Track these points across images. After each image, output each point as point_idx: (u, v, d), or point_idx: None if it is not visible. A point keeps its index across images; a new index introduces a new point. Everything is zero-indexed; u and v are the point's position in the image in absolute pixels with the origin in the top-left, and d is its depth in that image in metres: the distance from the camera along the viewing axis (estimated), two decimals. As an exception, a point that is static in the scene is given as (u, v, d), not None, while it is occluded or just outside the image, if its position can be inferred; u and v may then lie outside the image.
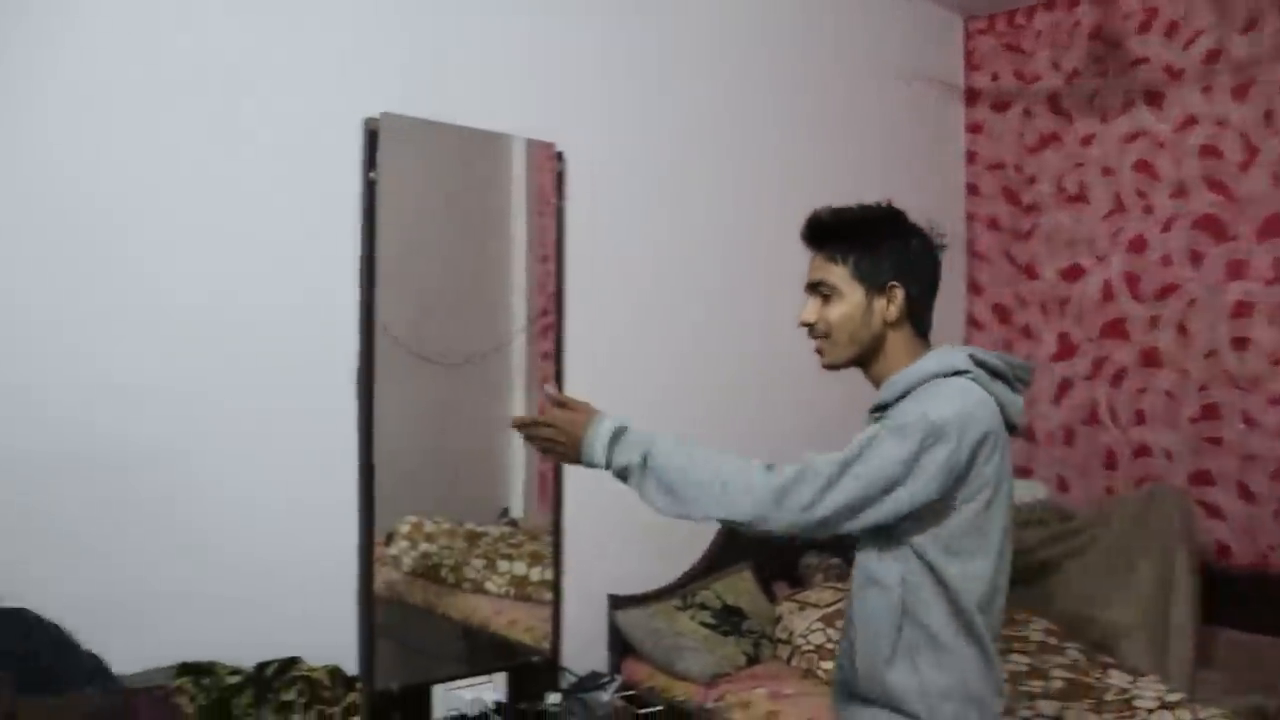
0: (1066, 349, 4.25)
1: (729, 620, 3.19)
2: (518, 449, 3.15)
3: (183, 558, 2.50)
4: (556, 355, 3.17)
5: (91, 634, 2.25)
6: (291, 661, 2.51)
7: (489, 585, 3.05)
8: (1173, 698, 2.62)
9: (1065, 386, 4.26)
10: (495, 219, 3.08)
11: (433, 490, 2.95)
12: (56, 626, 2.21)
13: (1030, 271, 4.39)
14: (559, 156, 3.12)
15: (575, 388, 3.14)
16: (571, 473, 3.13)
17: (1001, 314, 4.48)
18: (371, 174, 2.74)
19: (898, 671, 1.70)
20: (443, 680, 2.81)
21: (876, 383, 1.80)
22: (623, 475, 1.76)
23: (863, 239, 1.79)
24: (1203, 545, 3.55)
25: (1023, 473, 4.34)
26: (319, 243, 2.70)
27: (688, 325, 3.54)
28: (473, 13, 3.01)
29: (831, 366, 1.83)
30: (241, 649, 2.50)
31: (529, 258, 3.12)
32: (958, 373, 1.71)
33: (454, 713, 2.78)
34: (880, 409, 1.75)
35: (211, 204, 2.55)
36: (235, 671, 2.45)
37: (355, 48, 2.77)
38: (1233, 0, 3.76)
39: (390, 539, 2.86)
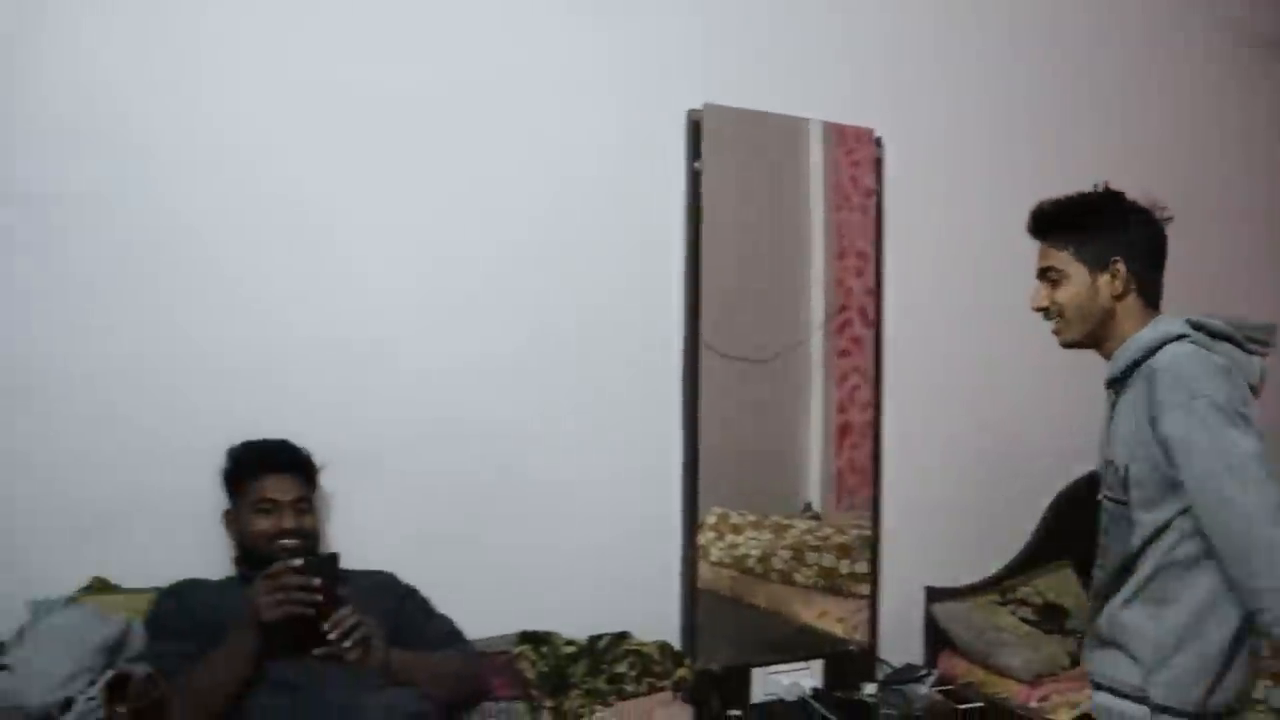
0: None
1: (1051, 618, 3.06)
2: (816, 444, 3.15)
3: (521, 532, 2.66)
4: (875, 349, 3.16)
5: (442, 600, 2.41)
6: (622, 636, 2.61)
7: (797, 577, 3.07)
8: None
9: None
10: (802, 209, 3.06)
11: (736, 483, 2.99)
12: (415, 590, 2.38)
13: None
14: (877, 142, 3.08)
15: (894, 386, 3.14)
16: (887, 468, 3.16)
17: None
18: (696, 164, 2.80)
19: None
20: (760, 665, 2.85)
21: (1109, 358, 1.89)
22: None
23: (1082, 223, 1.90)
24: None
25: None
26: (645, 234, 2.82)
27: (1011, 316, 3.38)
28: (792, 1, 3.03)
29: (1069, 344, 1.93)
30: (574, 621, 2.63)
31: (828, 250, 3.09)
32: (1177, 338, 1.77)
33: (772, 696, 2.82)
34: (1115, 382, 1.86)
35: (542, 197, 2.70)
36: (570, 642, 2.58)
37: (677, 40, 2.86)
38: None
39: (698, 529, 2.92)
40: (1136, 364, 1.80)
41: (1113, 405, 1.87)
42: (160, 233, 2.37)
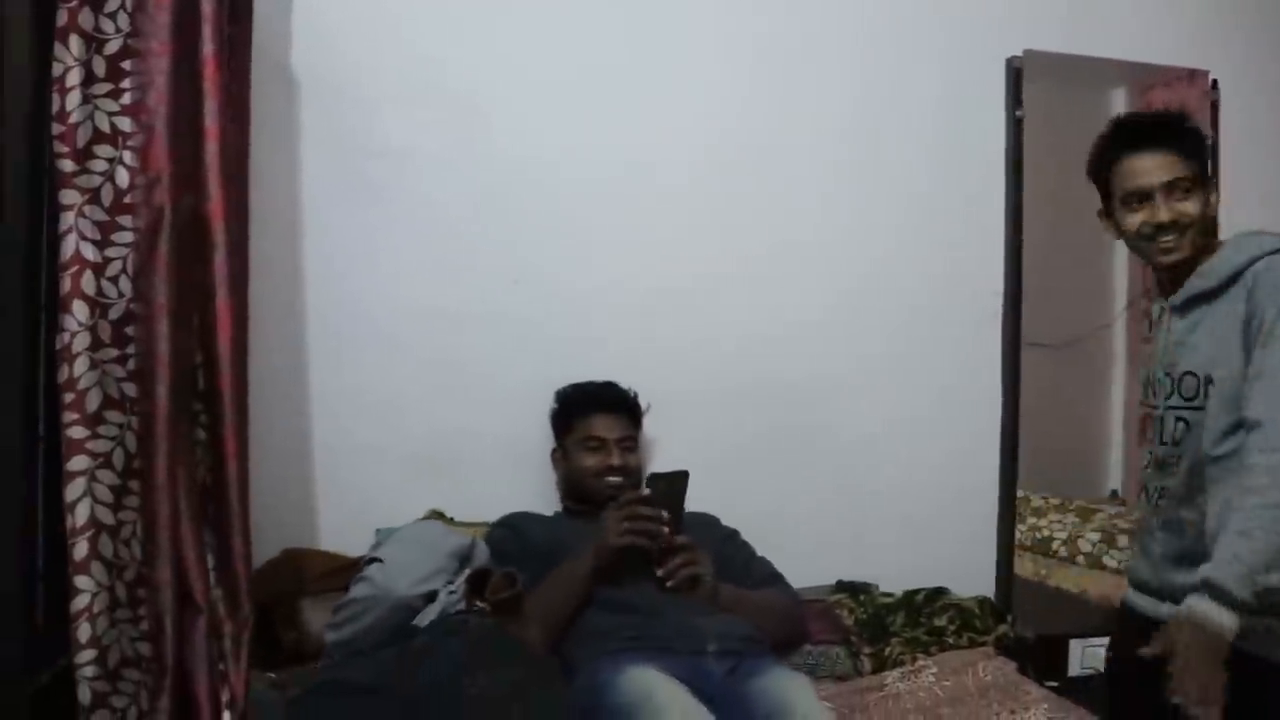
0: None
1: None
2: (1118, 430, 3.05)
3: (836, 488, 2.66)
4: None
5: (760, 546, 2.42)
6: (940, 591, 2.55)
7: (1106, 560, 2.90)
8: None
9: None
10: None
11: (1035, 466, 2.88)
12: (736, 532, 2.40)
13: None
14: (1214, 85, 2.92)
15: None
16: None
17: None
18: (1019, 112, 2.75)
19: None
20: (1082, 636, 2.70)
21: (1185, 276, 1.83)
22: None
23: (1200, 138, 1.87)
24: None
25: None
26: (966, 184, 2.76)
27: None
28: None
29: (1175, 265, 1.83)
30: (888, 576, 2.59)
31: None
32: (1274, 251, 1.74)
33: (1090, 669, 2.66)
34: (1203, 297, 1.80)
35: (860, 151, 2.71)
36: (887, 594, 2.53)
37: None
38: None
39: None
40: (1237, 275, 1.77)
41: (1186, 319, 1.84)
42: (502, 186, 2.52)
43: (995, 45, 2.76)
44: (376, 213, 2.46)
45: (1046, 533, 2.96)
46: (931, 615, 2.47)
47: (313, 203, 2.44)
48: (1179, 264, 1.83)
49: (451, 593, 1.89)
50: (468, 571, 1.94)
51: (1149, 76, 2.92)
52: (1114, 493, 3.11)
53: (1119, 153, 1.84)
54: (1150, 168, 1.81)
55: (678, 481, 2.14)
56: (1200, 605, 1.61)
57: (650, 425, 2.50)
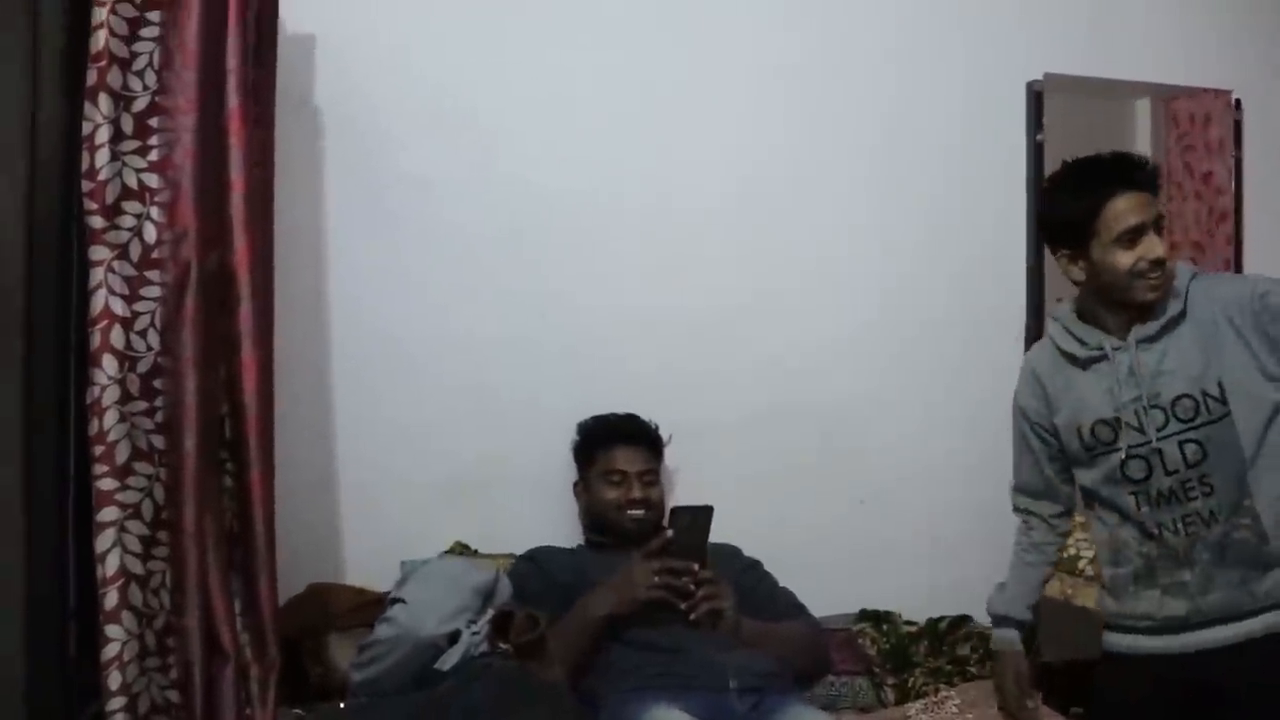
0: None
1: None
2: None
3: (860, 515, 2.68)
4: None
5: (782, 576, 2.42)
6: (963, 619, 2.55)
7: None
8: None
9: None
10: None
11: None
12: (758, 563, 2.41)
13: None
14: (1237, 104, 2.91)
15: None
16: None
17: None
18: (1039, 135, 2.75)
19: None
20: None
21: (1144, 312, 1.89)
22: None
23: (1160, 182, 1.95)
24: None
25: None
26: (988, 207, 2.77)
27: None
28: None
29: (1154, 301, 1.88)
30: (912, 605, 2.59)
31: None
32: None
33: (1118, 697, 2.66)
34: (1171, 324, 1.88)
35: (885, 170, 2.72)
36: (910, 622, 2.54)
37: (1016, 10, 2.80)
38: None
39: None
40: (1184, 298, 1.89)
41: (1153, 349, 1.89)
42: (527, 214, 2.54)
43: (1016, 68, 2.77)
44: (400, 242, 2.49)
45: (1073, 550, 2.94)
46: (954, 644, 2.48)
47: (337, 234, 2.47)
48: (1156, 302, 1.89)
49: (475, 634, 1.91)
50: (491, 612, 1.95)
51: (1171, 93, 2.91)
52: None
53: (1112, 191, 1.85)
54: (1142, 205, 1.85)
55: (701, 517, 2.15)
56: None
57: (675, 454, 2.52)
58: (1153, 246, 1.84)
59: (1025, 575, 2.15)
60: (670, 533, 2.16)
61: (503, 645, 1.89)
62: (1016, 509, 2.17)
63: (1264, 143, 2.96)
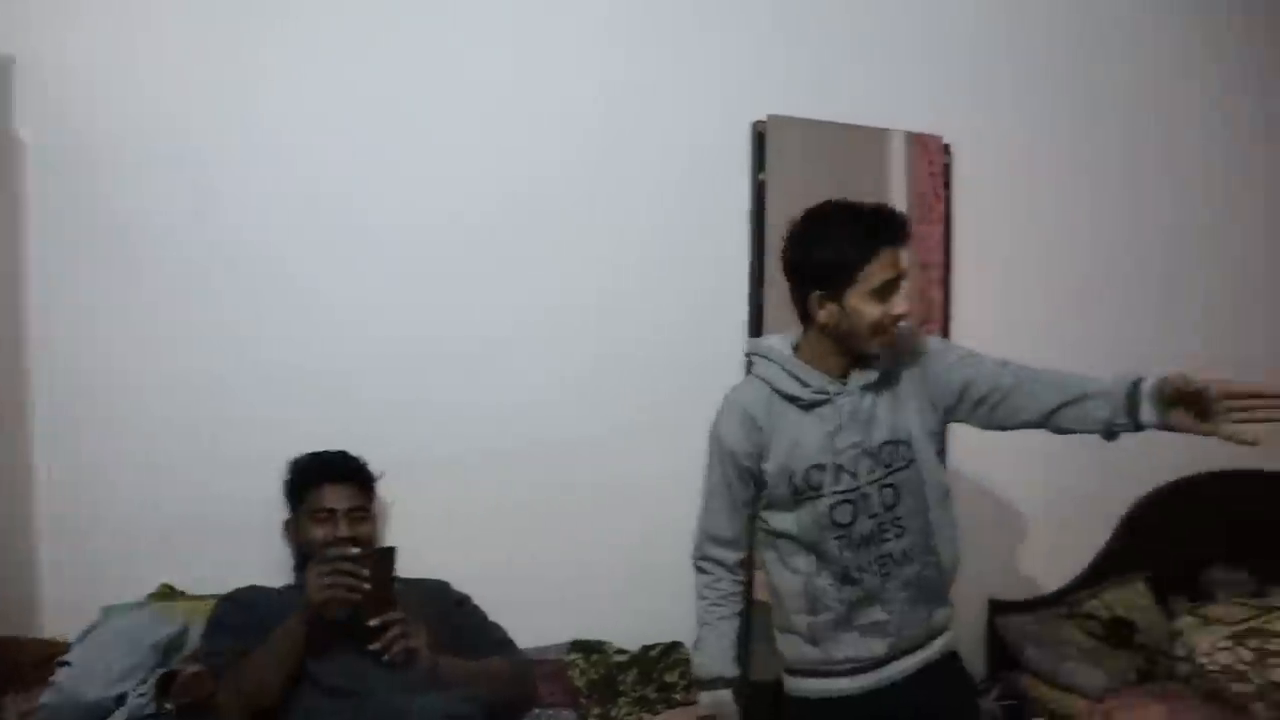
0: None
1: (1118, 633, 2.98)
2: None
3: (577, 545, 2.73)
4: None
5: (498, 610, 2.46)
6: (674, 646, 2.64)
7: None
8: None
9: None
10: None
11: None
12: (467, 598, 2.45)
13: None
14: (945, 149, 3.05)
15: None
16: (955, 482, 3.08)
17: None
18: (760, 175, 2.83)
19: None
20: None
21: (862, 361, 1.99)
22: None
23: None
24: None
25: None
26: (712, 245, 2.85)
27: (1079, 322, 3.32)
28: (856, 11, 3.04)
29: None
30: (631, 632, 2.67)
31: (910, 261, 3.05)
32: None
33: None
34: (890, 372, 2.01)
35: (610, 211, 2.77)
36: (622, 651, 2.61)
37: (744, 53, 2.89)
38: None
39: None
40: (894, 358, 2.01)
41: (866, 397, 1.98)
42: (225, 250, 2.51)
43: (740, 109, 2.84)
44: (108, 280, 2.43)
45: None
46: (664, 671, 2.56)
47: (40, 275, 2.40)
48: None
49: (140, 695, 1.89)
50: (157, 673, 1.94)
51: (907, 142, 3.02)
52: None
53: (880, 244, 1.89)
54: (899, 260, 1.91)
55: (383, 559, 2.16)
56: None
57: (396, 490, 2.53)
58: (899, 302, 1.91)
59: (722, 630, 2.10)
60: (355, 550, 2.17)
61: (167, 706, 1.88)
62: (704, 558, 2.12)
63: (972, 186, 3.11)
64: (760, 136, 2.85)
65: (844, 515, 1.97)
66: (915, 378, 2.02)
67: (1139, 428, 1.85)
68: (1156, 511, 3.36)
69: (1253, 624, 2.83)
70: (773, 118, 2.84)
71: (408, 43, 2.64)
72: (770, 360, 2.03)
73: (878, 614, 2.00)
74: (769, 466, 2.00)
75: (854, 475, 1.97)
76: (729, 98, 2.86)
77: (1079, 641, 2.96)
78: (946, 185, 3.07)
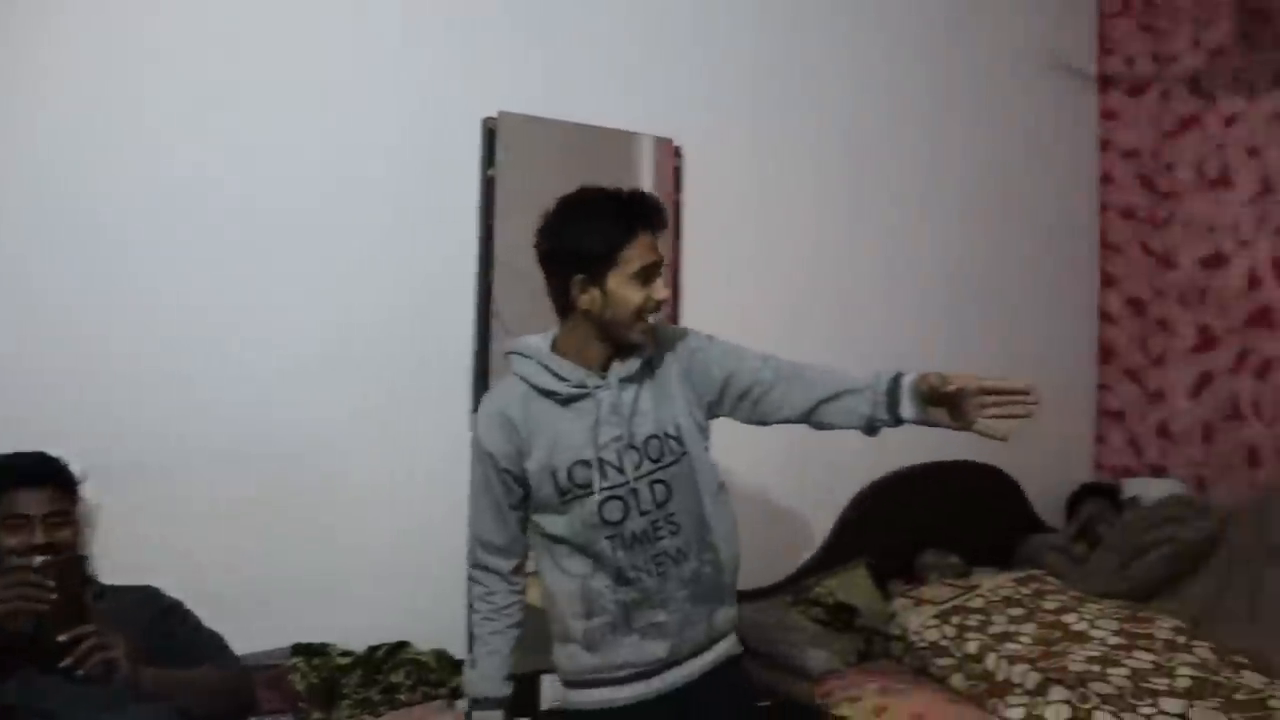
0: (1207, 341, 4.04)
1: (840, 617, 3.13)
2: None
3: (301, 545, 2.61)
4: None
5: (216, 614, 2.34)
6: (401, 645, 2.58)
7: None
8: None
9: (1205, 380, 4.05)
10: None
11: None
12: (178, 604, 2.31)
13: (1168, 261, 4.18)
14: (677, 152, 3.10)
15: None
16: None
17: (1136, 306, 4.29)
18: (490, 171, 2.80)
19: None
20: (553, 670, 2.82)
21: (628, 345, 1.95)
22: None
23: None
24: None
25: (1157, 471, 4.15)
26: (440, 240, 2.78)
27: (810, 324, 3.46)
28: (592, 11, 3.04)
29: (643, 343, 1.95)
30: (356, 633, 2.59)
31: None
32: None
33: (558, 702, 2.79)
34: (648, 365, 1.98)
35: (335, 204, 2.66)
36: (346, 653, 2.53)
37: (475, 49, 2.84)
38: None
39: None
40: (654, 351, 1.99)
41: (628, 390, 1.95)
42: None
43: (471, 105, 2.80)
44: None
45: None
46: (390, 671, 2.50)
47: None
48: (647, 340, 1.94)
49: None
50: None
51: (635, 142, 3.05)
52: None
53: (639, 226, 1.88)
54: (656, 245, 1.91)
55: (70, 567, 2.00)
56: None
57: (113, 493, 2.34)
58: (660, 287, 1.90)
59: (494, 647, 2.04)
60: (40, 559, 2.00)
61: None
62: (477, 565, 2.05)
63: (701, 189, 3.18)
64: (491, 133, 2.81)
65: (614, 513, 1.92)
66: (679, 371, 2.00)
67: (899, 423, 1.91)
68: (877, 501, 3.55)
69: (956, 602, 3.04)
70: (504, 114, 2.82)
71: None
72: (526, 357, 1.97)
73: (657, 615, 1.96)
74: (530, 466, 1.94)
75: (620, 471, 1.92)
76: (459, 93, 2.80)
77: (805, 626, 3.08)
78: (678, 188, 3.12)
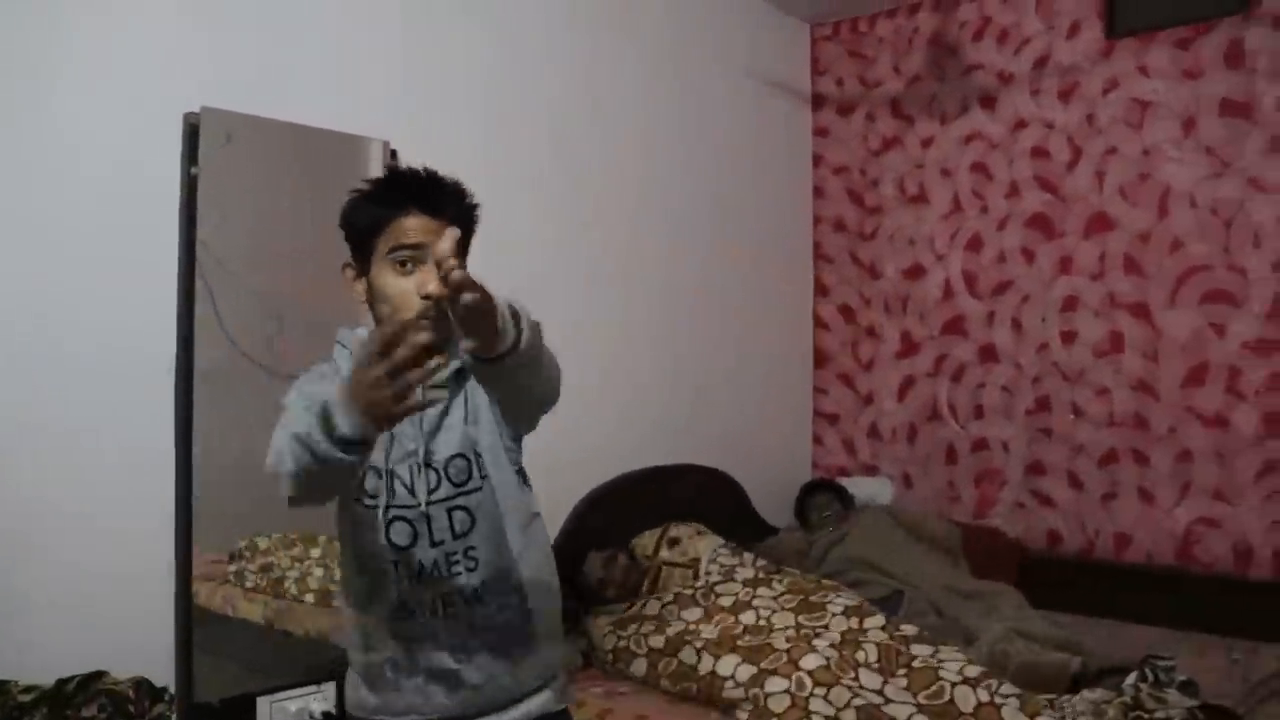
0: (910, 347, 4.34)
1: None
2: None
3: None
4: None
5: None
6: (96, 675, 2.38)
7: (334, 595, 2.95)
8: (972, 671, 2.63)
9: (908, 384, 4.34)
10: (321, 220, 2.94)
11: (270, 506, 2.82)
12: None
13: (874, 271, 4.46)
14: (393, 154, 3.01)
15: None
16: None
17: (847, 314, 4.55)
18: (194, 169, 2.63)
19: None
20: (269, 692, 2.70)
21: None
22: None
23: (476, 217, 1.72)
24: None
25: (869, 470, 4.41)
26: (138, 240, 2.58)
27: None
28: (304, 9, 2.91)
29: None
30: (43, 664, 2.37)
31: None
32: None
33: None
34: (458, 375, 1.67)
35: (33, 201, 2.43)
36: (29, 689, 2.32)
37: (178, 43, 2.65)
38: (1058, 9, 3.90)
39: (233, 557, 2.74)
40: None
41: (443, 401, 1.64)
42: None
43: (173, 100, 2.63)
44: None
45: (279, 573, 2.91)
46: (82, 705, 2.31)
47: None
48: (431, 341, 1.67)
49: None
50: None
51: (349, 144, 2.92)
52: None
53: (407, 206, 1.62)
54: (432, 231, 1.58)
55: None
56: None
57: None
58: (430, 280, 1.44)
59: None
60: None
61: None
62: None
63: None
64: (194, 129, 2.64)
65: (401, 536, 1.67)
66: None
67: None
68: (597, 511, 3.52)
69: (632, 612, 3.12)
70: (207, 110, 2.66)
71: None
72: (343, 346, 1.74)
73: (445, 660, 1.70)
74: None
75: (412, 491, 1.67)
76: (161, 88, 2.61)
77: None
78: None
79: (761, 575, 3.17)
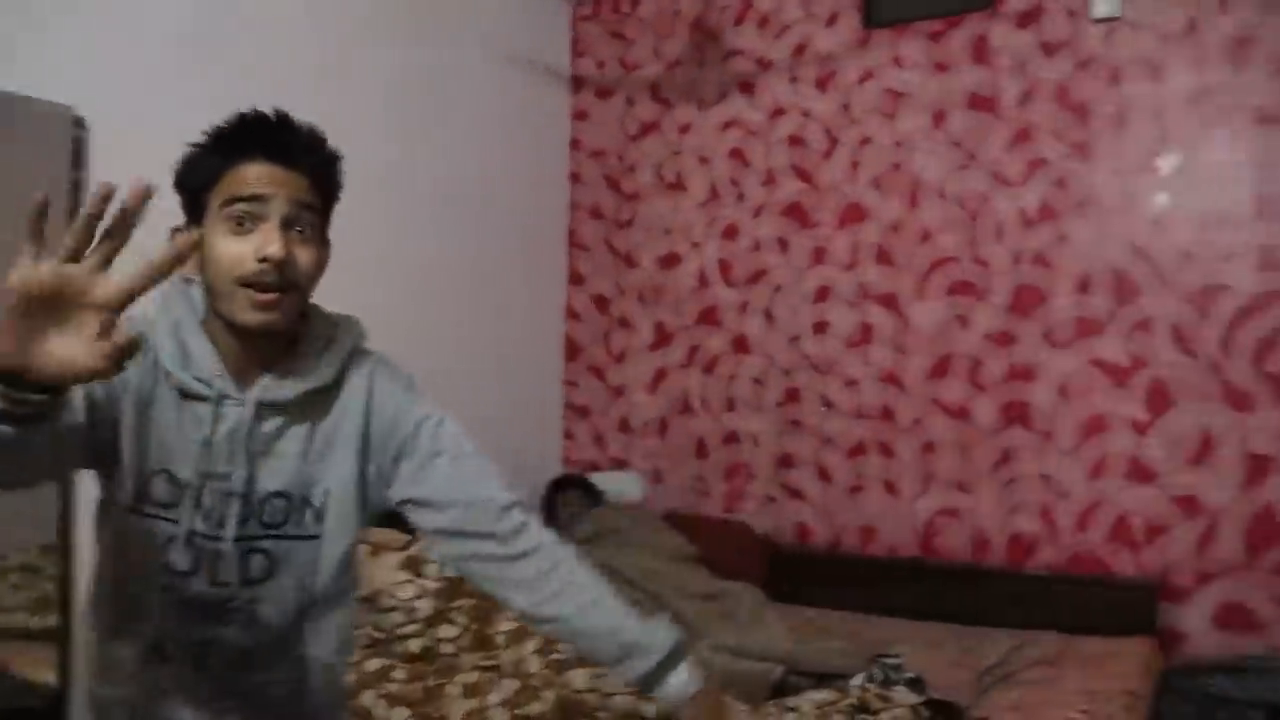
0: (663, 338, 4.19)
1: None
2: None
3: None
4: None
5: None
6: None
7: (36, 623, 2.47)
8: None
9: (660, 376, 4.19)
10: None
11: None
12: None
13: (630, 260, 4.29)
14: (79, 122, 2.55)
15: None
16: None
17: (600, 304, 4.36)
18: None
19: None
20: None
21: (279, 354, 1.39)
22: None
23: (338, 173, 1.45)
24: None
25: (619, 464, 4.22)
26: None
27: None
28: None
29: (279, 331, 1.35)
30: None
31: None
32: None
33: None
34: (313, 396, 1.40)
35: None
36: None
37: None
38: (818, -3, 3.88)
39: None
40: (343, 374, 1.45)
41: (271, 420, 1.38)
42: None
43: None
44: None
45: None
46: None
47: None
48: (277, 334, 1.35)
49: None
50: None
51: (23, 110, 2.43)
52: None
53: (256, 148, 1.33)
54: (280, 181, 1.32)
55: None
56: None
57: None
58: (271, 240, 1.27)
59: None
60: None
61: None
62: None
63: (108, 161, 2.56)
64: None
65: (181, 559, 1.36)
66: (365, 430, 1.44)
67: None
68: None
69: None
70: None
71: None
72: (186, 298, 1.39)
73: (186, 713, 1.40)
74: (123, 444, 1.33)
75: (209, 518, 1.36)
76: None
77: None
78: (77, 165, 2.50)
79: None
